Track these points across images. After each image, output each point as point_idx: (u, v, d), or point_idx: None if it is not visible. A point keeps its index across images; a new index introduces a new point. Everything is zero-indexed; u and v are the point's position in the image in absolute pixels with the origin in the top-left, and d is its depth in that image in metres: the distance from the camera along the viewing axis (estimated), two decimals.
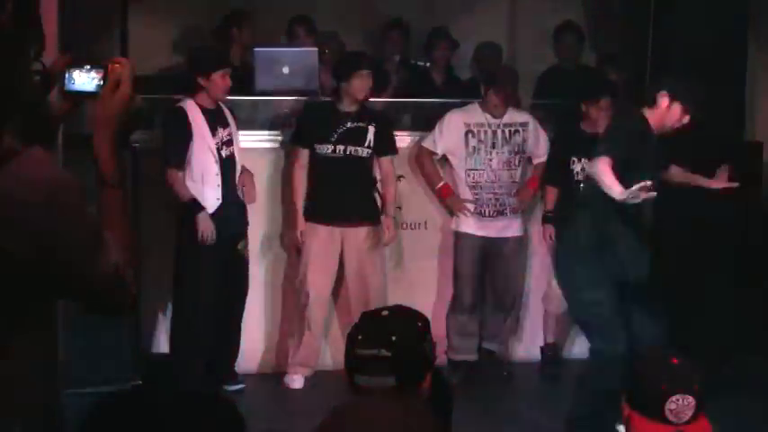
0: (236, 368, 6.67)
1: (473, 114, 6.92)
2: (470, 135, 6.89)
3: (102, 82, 2.23)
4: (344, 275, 6.73)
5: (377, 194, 6.81)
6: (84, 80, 2.23)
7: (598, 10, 8.75)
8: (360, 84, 6.49)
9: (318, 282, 6.63)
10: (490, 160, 6.90)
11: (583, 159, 6.93)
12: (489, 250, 6.95)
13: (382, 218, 6.73)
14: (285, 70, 6.97)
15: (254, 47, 7.25)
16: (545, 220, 7.02)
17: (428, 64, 8.27)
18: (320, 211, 6.59)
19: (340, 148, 6.55)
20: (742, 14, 7.21)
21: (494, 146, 6.89)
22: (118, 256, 2.11)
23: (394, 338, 2.71)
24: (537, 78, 8.26)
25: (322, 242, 6.61)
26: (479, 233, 6.91)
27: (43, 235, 1.97)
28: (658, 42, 7.19)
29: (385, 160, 6.72)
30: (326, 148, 6.55)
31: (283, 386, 6.68)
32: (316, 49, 7.32)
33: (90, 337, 5.88)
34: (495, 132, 6.89)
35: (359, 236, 6.65)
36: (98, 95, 2.23)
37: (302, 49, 7.36)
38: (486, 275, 7.04)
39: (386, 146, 6.70)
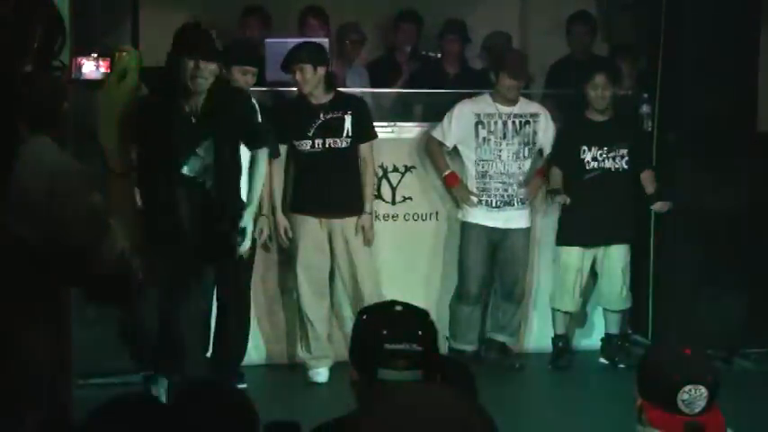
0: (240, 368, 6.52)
1: (483, 104, 6.90)
2: (480, 126, 6.87)
3: (109, 71, 2.23)
4: (334, 268, 6.67)
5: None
6: (92, 69, 2.23)
7: (610, 0, 8.72)
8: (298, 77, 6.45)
9: (310, 275, 6.59)
10: (500, 151, 6.87)
11: (593, 148, 6.92)
12: (497, 241, 6.93)
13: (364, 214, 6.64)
14: None
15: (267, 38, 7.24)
16: (553, 192, 6.96)
17: (439, 55, 8.24)
18: (306, 204, 6.54)
19: (318, 141, 6.49)
20: (755, 3, 7.17)
21: (504, 136, 6.87)
22: (124, 243, 2.11)
23: (421, 333, 2.72)
24: (549, 68, 8.25)
25: (311, 234, 6.56)
26: (486, 223, 6.89)
27: (47, 219, 1.98)
28: (671, 32, 7.16)
29: (363, 146, 6.61)
30: (305, 144, 6.49)
31: (308, 381, 6.64)
32: (326, 39, 7.30)
33: (98, 329, 5.88)
34: (505, 123, 6.87)
35: (346, 228, 6.60)
36: (104, 84, 2.23)
37: (312, 39, 7.33)
38: (494, 267, 7.03)
39: (363, 132, 6.60)
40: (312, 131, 6.48)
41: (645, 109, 7.29)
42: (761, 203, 7.22)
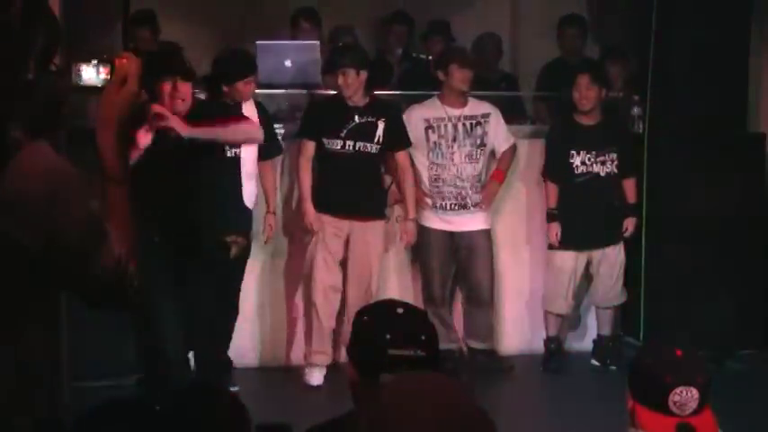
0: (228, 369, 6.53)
1: (432, 109, 6.88)
2: (431, 131, 6.85)
3: (108, 77, 2.24)
4: (346, 268, 6.69)
5: (386, 189, 6.81)
6: (92, 75, 2.24)
7: (601, 2, 8.75)
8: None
9: (325, 273, 6.60)
10: (452, 154, 6.86)
11: (582, 152, 6.93)
12: (455, 245, 6.93)
13: (401, 219, 6.72)
14: (287, 63, 6.95)
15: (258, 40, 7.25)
16: (550, 217, 7.00)
17: (430, 57, 8.25)
18: (328, 203, 6.56)
19: (349, 143, 6.52)
20: (745, 5, 7.20)
21: (455, 139, 6.85)
22: (120, 250, 2.12)
23: (424, 338, 2.71)
24: (540, 71, 8.26)
25: (330, 233, 6.59)
26: (441, 227, 6.89)
27: (45, 224, 1.99)
28: (661, 34, 7.18)
29: (400, 154, 6.67)
30: (336, 144, 6.52)
31: (303, 383, 6.63)
32: (317, 42, 7.31)
33: (92, 332, 5.87)
34: (455, 126, 6.85)
35: (366, 230, 6.64)
36: (104, 90, 2.24)
37: (304, 42, 7.35)
38: (458, 272, 7.03)
39: (398, 139, 6.65)
40: (344, 133, 6.51)
41: (636, 111, 7.32)
42: (751, 204, 7.24)
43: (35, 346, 2.09)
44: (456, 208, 6.86)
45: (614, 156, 6.95)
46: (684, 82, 7.13)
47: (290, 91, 7.03)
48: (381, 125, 6.56)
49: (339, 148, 6.52)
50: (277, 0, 8.47)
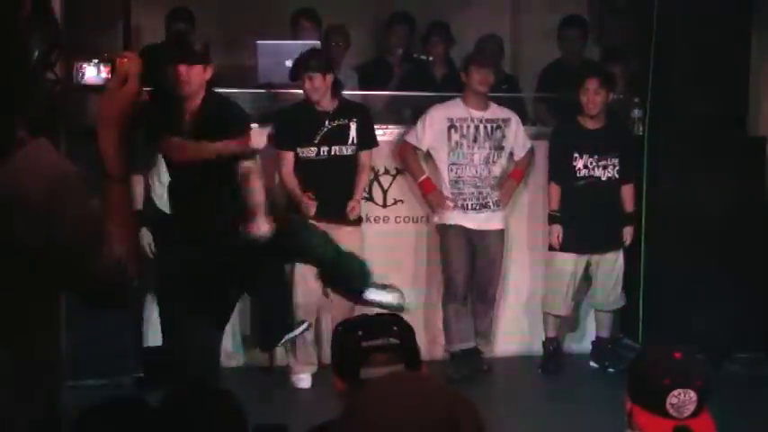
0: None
1: (456, 109, 6.91)
2: (453, 130, 6.88)
3: (110, 76, 2.24)
4: None
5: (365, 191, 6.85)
6: (93, 74, 2.25)
7: (602, 3, 8.74)
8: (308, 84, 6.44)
9: (306, 282, 6.56)
10: (472, 155, 6.89)
11: (584, 156, 6.93)
12: (473, 242, 6.95)
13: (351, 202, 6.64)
14: (288, 63, 6.95)
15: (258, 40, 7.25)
16: (552, 219, 7.01)
17: (430, 58, 8.25)
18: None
19: (324, 149, 6.52)
20: (746, 7, 7.20)
21: (475, 140, 6.88)
22: (120, 249, 2.12)
23: (396, 328, 2.77)
24: (540, 72, 8.26)
25: None
26: (464, 224, 6.91)
27: (45, 223, 1.99)
28: (661, 35, 7.19)
29: (363, 153, 6.67)
30: (310, 151, 6.51)
31: (290, 385, 6.63)
32: (318, 42, 7.31)
33: (91, 330, 5.87)
34: (477, 127, 6.88)
35: (342, 237, 6.55)
36: (105, 89, 2.25)
37: (304, 42, 7.34)
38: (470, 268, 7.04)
39: (366, 139, 6.66)
40: (318, 139, 6.51)
41: (636, 113, 7.32)
42: (750, 207, 7.24)
43: (35, 346, 2.09)
44: (478, 207, 6.90)
45: (616, 161, 6.96)
46: (685, 84, 7.13)
47: (290, 91, 7.01)
48: (354, 126, 6.57)
49: (314, 155, 6.51)
50: None
